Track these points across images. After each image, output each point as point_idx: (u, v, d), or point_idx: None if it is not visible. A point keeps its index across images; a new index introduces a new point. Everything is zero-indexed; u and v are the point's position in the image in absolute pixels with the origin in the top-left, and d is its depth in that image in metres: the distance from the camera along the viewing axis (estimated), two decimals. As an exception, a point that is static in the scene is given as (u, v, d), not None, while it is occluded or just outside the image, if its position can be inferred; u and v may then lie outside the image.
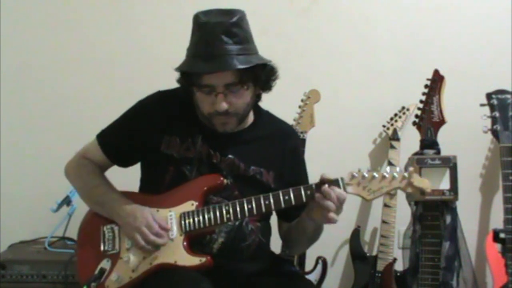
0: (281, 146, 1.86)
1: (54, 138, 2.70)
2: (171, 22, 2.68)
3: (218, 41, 1.62)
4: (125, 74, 2.75)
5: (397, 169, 1.65)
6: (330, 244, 2.80)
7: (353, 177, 1.65)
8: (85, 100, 2.76)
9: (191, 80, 1.68)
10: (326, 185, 1.62)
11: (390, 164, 2.54)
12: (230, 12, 1.66)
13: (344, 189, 1.63)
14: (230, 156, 1.77)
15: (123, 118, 1.86)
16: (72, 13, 2.78)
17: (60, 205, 2.41)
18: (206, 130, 1.78)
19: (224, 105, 1.66)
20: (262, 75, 1.71)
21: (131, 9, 2.77)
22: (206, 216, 1.68)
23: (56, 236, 2.53)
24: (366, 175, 1.64)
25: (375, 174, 1.64)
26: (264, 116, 1.87)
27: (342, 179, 1.64)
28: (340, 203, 1.62)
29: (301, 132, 2.54)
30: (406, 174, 1.63)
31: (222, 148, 1.77)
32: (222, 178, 1.73)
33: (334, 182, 1.64)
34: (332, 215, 1.61)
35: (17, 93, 2.78)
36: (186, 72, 1.69)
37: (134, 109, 1.85)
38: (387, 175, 1.64)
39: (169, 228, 1.69)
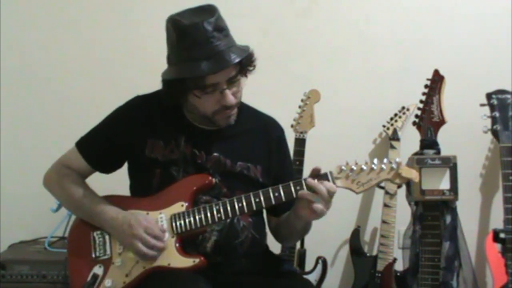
0: (266, 139, 1.86)
1: (54, 138, 2.69)
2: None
3: (212, 39, 1.62)
4: (125, 74, 2.75)
5: (385, 160, 1.65)
6: (330, 244, 2.80)
7: (341, 170, 1.65)
8: (85, 100, 2.76)
9: (192, 85, 1.66)
10: (315, 180, 1.62)
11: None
12: (207, 9, 1.67)
13: (333, 183, 1.63)
14: (215, 154, 1.77)
15: (104, 125, 1.84)
16: (72, 13, 2.78)
17: (60, 205, 2.40)
18: (189, 131, 1.78)
19: (232, 99, 1.68)
20: (247, 62, 1.71)
21: (131, 9, 2.78)
22: (197, 217, 1.67)
23: (56, 236, 2.54)
24: (355, 168, 1.64)
25: (364, 167, 1.64)
26: (245, 110, 1.85)
27: (331, 173, 1.65)
28: (330, 196, 1.62)
29: (301, 132, 2.54)
30: (394, 165, 1.64)
31: (207, 147, 1.77)
32: (210, 178, 1.72)
33: (323, 176, 1.64)
34: (318, 205, 1.61)
35: (17, 93, 2.78)
36: (184, 78, 1.65)
37: (114, 115, 1.84)
38: (375, 167, 1.64)
39: (165, 229, 1.68)
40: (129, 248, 1.69)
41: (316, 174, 1.65)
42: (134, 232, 1.65)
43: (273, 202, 1.66)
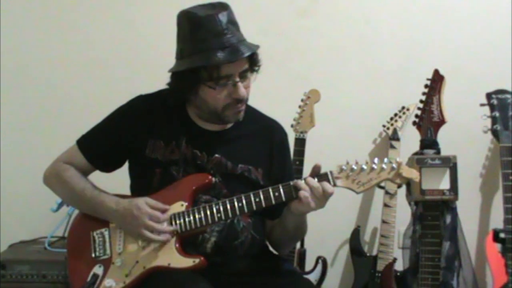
0: (268, 142, 1.85)
1: (54, 138, 2.69)
2: (171, 22, 2.68)
3: (227, 31, 1.63)
4: (125, 74, 2.75)
5: (386, 160, 1.64)
6: (330, 244, 2.80)
7: (341, 170, 1.64)
8: (85, 100, 2.76)
9: (206, 75, 1.65)
10: (315, 179, 1.62)
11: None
12: (219, 4, 1.69)
13: (334, 183, 1.63)
14: (217, 155, 1.77)
15: (105, 123, 1.84)
16: (72, 13, 2.78)
17: (60, 205, 2.41)
18: (190, 131, 1.78)
19: (244, 92, 1.69)
20: (256, 59, 1.73)
21: (131, 9, 2.78)
22: (197, 216, 1.67)
23: (56, 236, 2.54)
24: (355, 168, 1.64)
25: (364, 166, 1.63)
26: (249, 112, 1.84)
27: (331, 172, 1.64)
28: (324, 196, 1.61)
29: (301, 132, 2.54)
30: (394, 165, 1.63)
31: (208, 148, 1.77)
32: (210, 177, 1.72)
33: (323, 176, 1.64)
34: (306, 194, 1.60)
35: (17, 93, 2.78)
36: (197, 70, 1.65)
37: (116, 114, 1.84)
38: (375, 167, 1.63)
39: (168, 208, 1.69)
40: (137, 238, 1.69)
41: (317, 172, 1.65)
42: (139, 222, 1.65)
43: (273, 201, 1.65)
